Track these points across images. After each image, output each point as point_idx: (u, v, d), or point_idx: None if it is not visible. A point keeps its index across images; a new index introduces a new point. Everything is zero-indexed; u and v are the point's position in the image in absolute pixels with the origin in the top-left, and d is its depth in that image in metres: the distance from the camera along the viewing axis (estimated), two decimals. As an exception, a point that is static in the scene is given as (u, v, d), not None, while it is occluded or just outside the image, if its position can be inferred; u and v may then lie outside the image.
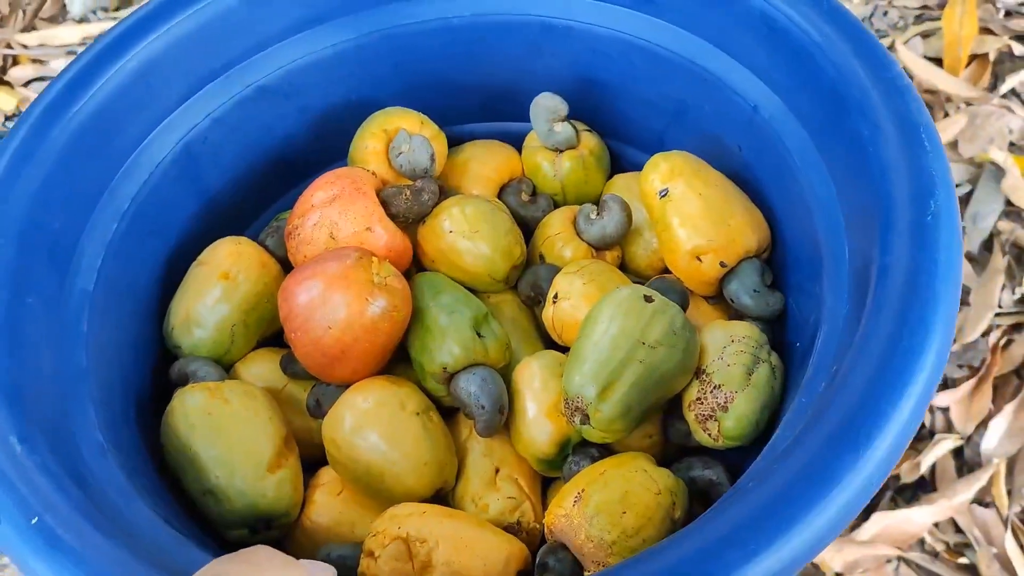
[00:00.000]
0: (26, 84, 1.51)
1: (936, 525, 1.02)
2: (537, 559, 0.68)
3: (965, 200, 1.24)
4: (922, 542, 1.02)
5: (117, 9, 1.60)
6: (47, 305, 0.69)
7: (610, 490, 0.67)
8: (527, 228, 0.90)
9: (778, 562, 0.50)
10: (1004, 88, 1.33)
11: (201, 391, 0.74)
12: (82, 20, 1.59)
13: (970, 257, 1.20)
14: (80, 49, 1.52)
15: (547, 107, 0.89)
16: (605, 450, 0.74)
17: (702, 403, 0.71)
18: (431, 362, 0.76)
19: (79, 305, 0.73)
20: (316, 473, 0.79)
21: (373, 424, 0.73)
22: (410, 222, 0.85)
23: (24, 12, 1.57)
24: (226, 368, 0.83)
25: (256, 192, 0.93)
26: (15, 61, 1.54)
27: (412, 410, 0.75)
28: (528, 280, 0.85)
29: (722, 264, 0.79)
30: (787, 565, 0.50)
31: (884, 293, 0.57)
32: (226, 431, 0.72)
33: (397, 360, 0.80)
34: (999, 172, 1.24)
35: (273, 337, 0.87)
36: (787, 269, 0.80)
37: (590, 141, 0.92)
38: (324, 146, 0.94)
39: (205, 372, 0.79)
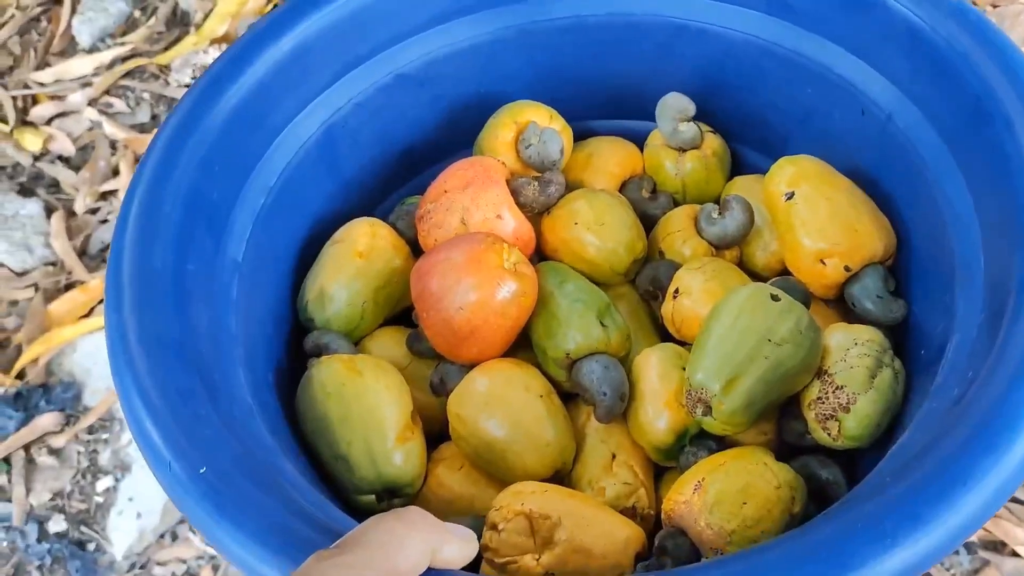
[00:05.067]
0: (48, 122, 1.55)
1: None
2: (656, 542, 0.70)
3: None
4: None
5: (124, 34, 1.64)
6: (204, 270, 0.74)
7: (731, 480, 0.69)
8: (646, 224, 0.91)
9: (913, 556, 0.51)
10: (1031, -14, 1.26)
11: (337, 362, 0.78)
12: (92, 50, 1.62)
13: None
14: (95, 80, 1.57)
15: (675, 106, 0.91)
16: (722, 443, 0.76)
17: (823, 403, 0.72)
18: (555, 348, 0.79)
19: (230, 273, 0.77)
20: (437, 448, 0.82)
21: (498, 403, 0.76)
22: (535, 212, 0.87)
23: (35, 50, 1.61)
24: (355, 343, 0.86)
25: (385, 176, 0.97)
26: (35, 100, 1.58)
27: (536, 392, 0.77)
28: (647, 275, 0.87)
29: (846, 268, 0.79)
30: (921, 560, 0.51)
31: (1027, 303, 0.58)
32: (360, 402, 0.76)
33: (517, 345, 0.83)
34: (1031, 77, 1.18)
35: (397, 316, 0.90)
36: (913, 277, 0.80)
37: (714, 142, 0.94)
38: (452, 134, 0.97)
39: (338, 345, 0.83)
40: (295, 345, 0.86)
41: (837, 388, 0.72)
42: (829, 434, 0.72)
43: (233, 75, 0.79)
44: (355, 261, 0.86)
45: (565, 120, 0.94)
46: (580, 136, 0.98)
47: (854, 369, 0.72)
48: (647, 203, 0.94)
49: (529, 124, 0.90)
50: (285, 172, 0.85)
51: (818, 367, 0.74)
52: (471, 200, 0.84)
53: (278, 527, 0.57)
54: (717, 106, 0.95)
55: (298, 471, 0.69)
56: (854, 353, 0.73)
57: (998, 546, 0.95)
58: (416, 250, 0.89)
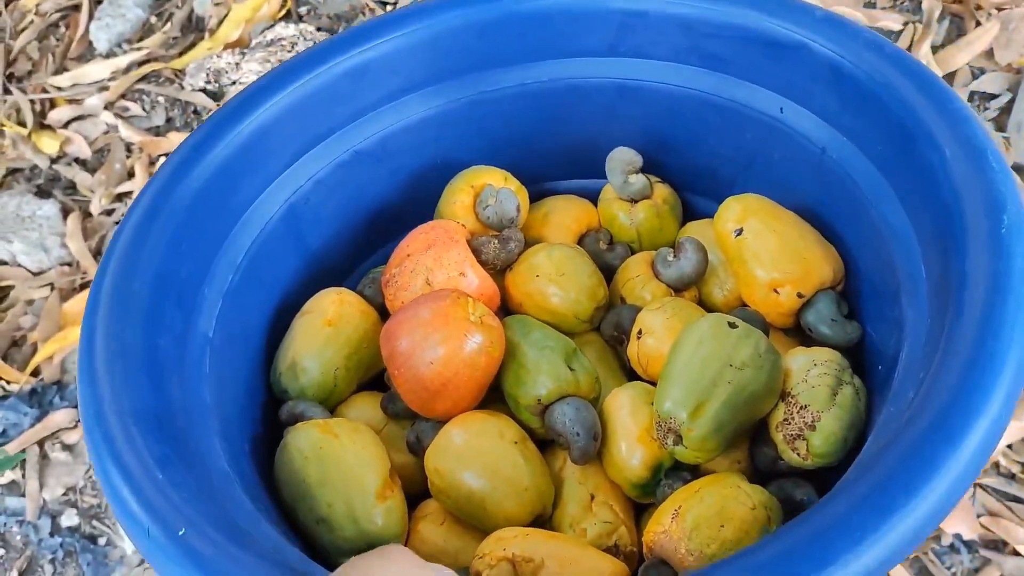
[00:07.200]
0: (66, 125, 1.57)
1: (1010, 447, 1.00)
2: (639, 574, 0.70)
3: (1007, 109, 1.21)
4: (996, 465, 0.99)
5: (141, 39, 1.67)
6: (175, 345, 0.75)
7: (706, 505, 0.70)
8: (606, 273, 0.94)
9: (885, 548, 0.52)
10: (1036, -12, 1.29)
11: (313, 427, 0.79)
12: (109, 55, 1.64)
13: (1017, 168, 1.16)
14: (112, 84, 1.60)
15: (622, 160, 0.95)
16: (696, 472, 0.77)
17: (789, 424, 0.74)
18: (526, 395, 0.80)
19: (202, 348, 0.78)
20: (419, 506, 0.82)
21: (474, 453, 0.77)
22: (497, 269, 0.90)
23: (53, 55, 1.64)
24: (330, 410, 0.87)
25: (350, 248, 1.00)
26: (52, 104, 1.61)
27: (510, 439, 0.79)
28: (611, 320, 0.89)
29: (799, 295, 0.82)
30: (893, 551, 0.52)
31: (966, 299, 0.61)
32: (337, 463, 0.77)
33: (489, 400, 0.85)
34: (1039, 76, 1.21)
35: (370, 382, 0.92)
36: (864, 299, 0.83)
37: (663, 191, 0.98)
38: (413, 205, 1.00)
39: (313, 413, 0.84)
40: (270, 417, 0.87)
41: (801, 408, 0.74)
42: (798, 453, 0.74)
43: (197, 158, 0.82)
44: (324, 330, 0.87)
45: (520, 182, 0.97)
46: (536, 197, 1.02)
47: (816, 388, 0.74)
48: (605, 254, 0.97)
49: (485, 186, 0.93)
50: (251, 249, 0.87)
51: (781, 390, 0.76)
52: (434, 261, 0.86)
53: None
54: (665, 159, 0.99)
55: (279, 535, 0.69)
56: (814, 373, 0.75)
57: (999, 545, 0.96)
58: (384, 316, 0.91)
